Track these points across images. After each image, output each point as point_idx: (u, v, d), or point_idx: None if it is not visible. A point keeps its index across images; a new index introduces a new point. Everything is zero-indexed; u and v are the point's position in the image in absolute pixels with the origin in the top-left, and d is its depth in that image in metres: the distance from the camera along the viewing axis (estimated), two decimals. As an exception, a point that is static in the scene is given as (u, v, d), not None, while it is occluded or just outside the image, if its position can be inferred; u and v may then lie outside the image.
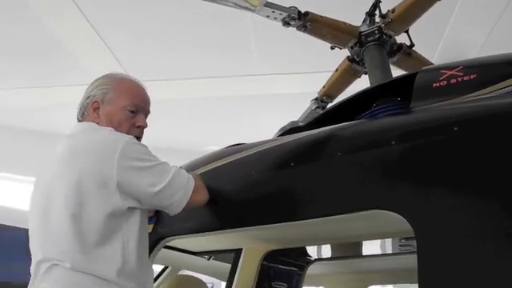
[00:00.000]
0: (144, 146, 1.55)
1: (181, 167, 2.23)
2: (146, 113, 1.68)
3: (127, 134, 1.57)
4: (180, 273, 3.03)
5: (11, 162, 6.58)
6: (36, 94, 5.96)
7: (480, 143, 1.16)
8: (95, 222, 1.43)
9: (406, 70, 2.53)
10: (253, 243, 2.55)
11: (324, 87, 2.81)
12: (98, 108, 1.61)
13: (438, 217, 1.14)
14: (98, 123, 1.59)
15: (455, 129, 1.19)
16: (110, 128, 1.55)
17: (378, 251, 3.60)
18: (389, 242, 3.51)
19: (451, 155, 1.18)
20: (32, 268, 1.52)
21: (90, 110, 1.62)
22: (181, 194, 1.52)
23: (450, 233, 1.11)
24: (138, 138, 1.63)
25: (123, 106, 1.60)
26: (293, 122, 2.47)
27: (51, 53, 5.05)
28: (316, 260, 3.00)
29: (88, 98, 1.65)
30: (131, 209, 1.49)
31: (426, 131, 1.30)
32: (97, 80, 1.71)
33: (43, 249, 1.47)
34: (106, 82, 1.65)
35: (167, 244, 2.11)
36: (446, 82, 1.52)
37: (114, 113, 1.60)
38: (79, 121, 1.68)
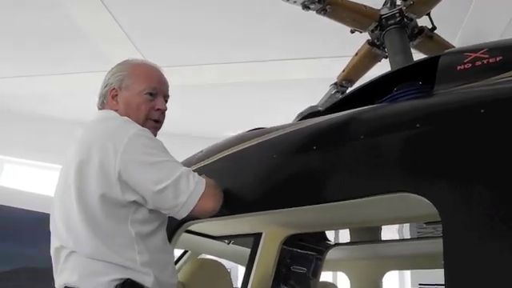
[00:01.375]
0: (154, 140, 1.50)
1: (201, 151, 2.25)
2: (165, 96, 1.66)
3: (146, 117, 1.58)
4: (199, 257, 3.06)
5: (27, 148, 6.67)
6: (52, 81, 6.02)
7: (508, 125, 1.14)
8: (101, 212, 1.41)
9: (427, 54, 2.49)
10: (272, 227, 2.57)
11: (343, 72, 2.79)
12: (117, 95, 1.61)
13: (465, 200, 1.13)
14: (116, 110, 1.59)
15: (482, 111, 1.17)
16: (125, 118, 1.53)
17: (396, 237, 3.58)
18: (406, 227, 3.50)
19: (478, 137, 1.17)
20: (52, 253, 1.54)
21: (109, 98, 1.63)
22: (185, 197, 1.42)
23: (477, 216, 1.10)
24: (159, 121, 1.63)
25: (140, 91, 1.59)
26: (312, 107, 2.45)
27: (69, 39, 5.07)
28: (335, 245, 3.00)
29: (106, 86, 1.65)
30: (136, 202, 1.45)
31: (452, 113, 1.29)
32: (113, 68, 1.71)
33: (60, 235, 1.49)
34: (122, 69, 1.65)
35: (188, 228, 2.13)
36: (470, 65, 1.49)
37: (131, 98, 1.59)
38: (99, 109, 1.68)
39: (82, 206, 1.42)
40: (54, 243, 1.52)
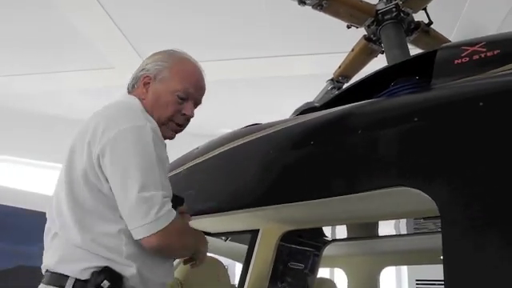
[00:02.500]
0: (156, 144, 1.34)
1: (197, 148, 2.24)
2: (197, 102, 1.56)
3: (170, 118, 1.49)
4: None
5: (26, 147, 6.64)
6: (52, 80, 5.99)
7: (506, 118, 1.14)
8: (85, 194, 1.34)
9: (423, 49, 2.50)
10: (270, 224, 2.55)
11: (340, 67, 2.79)
12: (149, 84, 1.51)
13: (463, 194, 1.13)
14: (143, 99, 1.50)
15: (480, 104, 1.17)
16: (137, 108, 1.43)
17: (393, 233, 3.59)
18: (403, 223, 3.51)
19: (477, 131, 1.16)
20: (44, 233, 1.48)
21: (141, 84, 1.53)
22: (150, 219, 1.26)
23: (476, 211, 1.09)
24: (181, 125, 1.54)
25: (174, 90, 1.49)
26: (308, 103, 2.45)
27: (68, 38, 5.05)
28: (332, 241, 3.00)
29: (142, 70, 1.56)
30: None
31: (450, 107, 1.28)
32: (156, 54, 1.60)
33: (52, 217, 1.42)
34: (164, 59, 1.55)
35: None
36: (468, 59, 1.49)
37: (162, 93, 1.49)
38: (129, 92, 1.57)
39: (68, 185, 1.37)
40: (47, 223, 1.46)
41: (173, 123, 1.52)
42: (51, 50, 5.30)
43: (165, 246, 1.31)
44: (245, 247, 2.78)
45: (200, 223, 2.45)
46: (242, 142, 1.89)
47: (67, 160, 1.40)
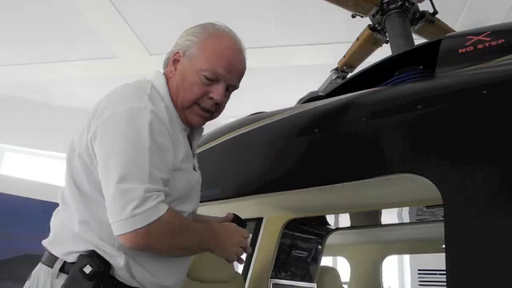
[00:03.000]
0: (155, 129, 1.18)
1: (203, 136, 2.26)
2: (230, 85, 1.35)
3: (194, 101, 1.31)
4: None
5: (28, 136, 6.67)
6: (51, 69, 6.00)
7: (510, 106, 1.15)
8: (82, 185, 1.25)
9: (428, 39, 2.49)
10: (274, 212, 2.58)
11: (344, 57, 2.79)
12: (179, 61, 1.34)
13: (466, 181, 1.14)
14: (170, 78, 1.34)
15: (484, 92, 1.18)
16: (150, 88, 1.27)
17: (396, 222, 3.60)
18: (406, 212, 3.52)
19: (480, 119, 1.18)
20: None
21: (170, 61, 1.36)
22: (123, 216, 1.11)
23: (479, 198, 1.10)
24: (209, 110, 1.34)
25: (200, 69, 1.29)
26: (312, 93, 2.46)
27: (67, 27, 5.04)
28: (336, 229, 3.02)
29: (175, 46, 1.38)
30: None
31: (454, 95, 1.29)
32: (192, 27, 1.40)
33: (61, 191, 1.34)
34: (196, 33, 1.35)
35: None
36: (472, 48, 1.50)
37: (188, 72, 1.30)
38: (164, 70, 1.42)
39: (69, 167, 1.28)
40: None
41: (197, 107, 1.32)
42: (53, 39, 5.29)
43: (144, 247, 1.16)
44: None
45: (205, 212, 2.48)
46: (246, 130, 1.91)
47: (71, 143, 1.31)
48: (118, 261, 1.20)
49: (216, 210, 2.38)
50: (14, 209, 4.30)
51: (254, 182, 1.73)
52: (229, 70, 1.31)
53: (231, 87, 1.36)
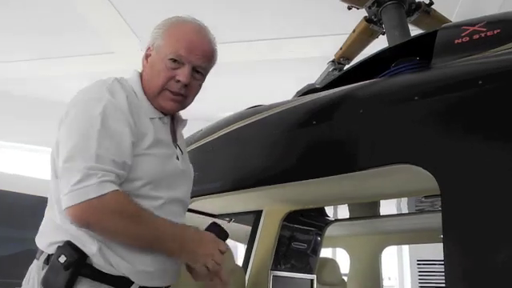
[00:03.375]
0: (109, 115, 1.22)
1: (201, 130, 2.27)
2: (196, 66, 1.37)
3: (163, 87, 1.35)
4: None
5: (28, 132, 6.66)
6: (48, 65, 6.00)
7: (506, 96, 1.16)
8: (59, 175, 1.25)
9: (424, 30, 2.50)
10: (273, 204, 2.60)
11: (341, 49, 2.79)
12: (150, 55, 1.40)
13: (464, 171, 1.15)
14: (143, 71, 1.41)
15: (480, 82, 1.19)
16: (112, 81, 1.33)
17: (394, 213, 3.63)
18: (404, 202, 3.54)
19: (476, 109, 1.19)
20: None
21: (144, 58, 1.42)
22: (66, 190, 1.15)
23: (477, 189, 1.11)
24: (178, 94, 1.36)
25: (165, 55, 1.34)
26: (310, 85, 2.47)
27: (64, 23, 5.03)
28: (335, 221, 3.04)
29: (148, 43, 1.43)
30: None
31: (450, 85, 1.30)
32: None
33: None
34: (160, 26, 1.41)
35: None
36: (468, 38, 1.51)
37: (156, 61, 1.36)
38: None
39: (51, 160, 1.32)
40: None
41: (167, 92, 1.36)
42: (50, 35, 5.28)
43: (84, 223, 1.17)
44: (248, 228, 2.83)
45: (204, 205, 2.50)
46: (245, 124, 1.92)
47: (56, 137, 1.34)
48: (91, 248, 1.20)
49: (216, 202, 2.40)
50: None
51: (253, 175, 1.74)
52: (190, 51, 1.35)
53: (199, 68, 1.38)
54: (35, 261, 1.27)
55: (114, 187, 1.17)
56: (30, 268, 1.28)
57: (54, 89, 6.63)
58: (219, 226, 1.34)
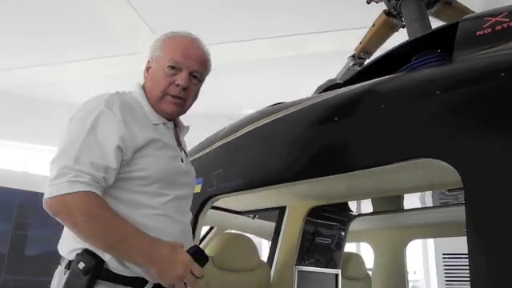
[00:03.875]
0: (101, 122, 1.33)
1: (224, 128, 2.30)
2: (193, 71, 1.49)
3: (164, 92, 1.46)
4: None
5: (51, 135, 6.81)
6: (71, 68, 6.12)
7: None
8: None
9: (445, 21, 2.47)
10: (296, 200, 2.61)
11: (361, 43, 2.78)
12: (151, 67, 1.53)
13: (486, 165, 1.14)
14: (145, 83, 1.53)
15: (502, 74, 1.18)
16: (112, 94, 1.43)
17: (418, 206, 3.61)
18: (428, 195, 3.51)
19: (499, 102, 1.18)
20: None
21: (145, 71, 1.55)
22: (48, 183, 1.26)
23: (500, 182, 1.11)
24: (178, 97, 1.47)
25: (163, 64, 1.47)
26: (330, 80, 2.47)
27: (86, 26, 5.13)
28: (358, 215, 3.04)
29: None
30: None
31: (472, 79, 1.29)
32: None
33: None
34: (158, 40, 1.55)
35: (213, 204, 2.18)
36: (490, 30, 1.49)
37: (156, 71, 1.49)
38: None
39: None
40: None
41: (168, 96, 1.48)
42: (72, 38, 5.40)
43: (55, 215, 1.26)
44: (272, 224, 2.86)
45: (229, 202, 2.53)
46: (267, 121, 1.93)
47: None
48: (105, 254, 1.29)
49: (240, 200, 2.43)
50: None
51: (277, 172, 1.76)
52: (186, 57, 1.47)
53: (195, 73, 1.50)
54: (59, 266, 1.36)
55: (85, 188, 1.25)
56: (55, 272, 1.36)
57: (78, 91, 6.76)
58: (201, 250, 1.34)
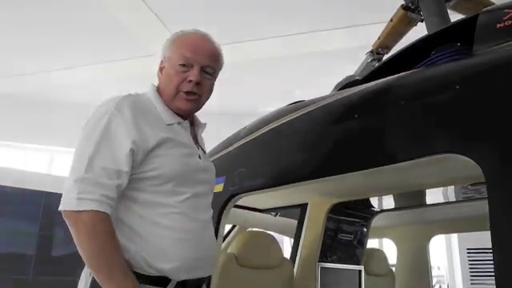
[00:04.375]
0: (113, 124, 1.34)
1: (245, 127, 2.32)
2: (204, 66, 1.49)
3: (177, 89, 1.48)
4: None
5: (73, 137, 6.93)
6: (90, 71, 6.23)
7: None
8: None
9: (464, 15, 2.44)
10: (318, 197, 2.62)
11: (379, 39, 2.77)
12: (164, 67, 1.54)
13: (509, 160, 1.14)
14: (159, 83, 1.55)
15: (523, 68, 1.17)
16: (123, 96, 1.43)
17: (441, 201, 3.57)
18: (451, 190, 3.48)
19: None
20: None
21: (158, 72, 1.57)
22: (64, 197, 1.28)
23: None
24: (192, 92, 1.48)
25: (175, 61, 1.49)
26: (349, 77, 2.47)
27: (103, 29, 5.22)
28: (380, 211, 3.03)
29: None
30: None
31: (493, 72, 1.28)
32: None
33: None
34: (168, 40, 1.56)
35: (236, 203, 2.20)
36: (510, 22, 1.47)
37: (168, 69, 1.50)
38: None
39: None
40: None
41: (182, 93, 1.48)
42: (90, 41, 5.49)
43: (68, 225, 1.28)
44: (294, 222, 2.88)
45: (251, 200, 2.55)
46: (287, 119, 1.95)
47: None
48: (127, 254, 1.32)
49: (262, 198, 2.45)
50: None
51: (298, 170, 1.77)
52: (196, 52, 1.48)
53: (207, 68, 1.51)
54: (85, 267, 1.37)
55: (93, 206, 1.26)
56: (81, 274, 1.39)
57: (97, 94, 6.87)
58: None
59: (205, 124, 1.64)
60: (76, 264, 1.43)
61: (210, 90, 1.55)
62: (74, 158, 1.33)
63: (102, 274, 1.28)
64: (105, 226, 1.28)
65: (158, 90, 1.53)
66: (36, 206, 5.39)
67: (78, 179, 1.27)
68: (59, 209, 1.28)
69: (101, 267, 1.28)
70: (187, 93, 1.48)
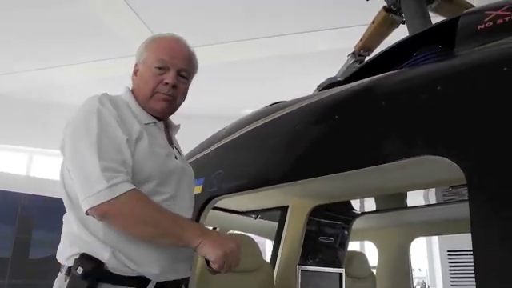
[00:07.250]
0: (103, 122, 1.35)
1: (224, 129, 2.29)
2: (180, 69, 1.52)
3: (153, 91, 1.49)
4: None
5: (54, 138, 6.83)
6: (70, 71, 6.15)
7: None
8: (69, 188, 1.40)
9: (445, 17, 2.44)
10: (298, 200, 2.60)
11: (361, 40, 2.76)
12: (138, 70, 1.56)
13: (489, 161, 1.12)
14: (133, 85, 1.56)
15: (505, 69, 1.16)
16: (102, 96, 1.45)
17: (422, 203, 3.59)
18: (432, 192, 3.49)
19: (502, 96, 1.16)
20: None
21: (133, 74, 1.58)
22: (91, 192, 1.26)
23: (503, 178, 1.09)
24: (167, 94, 1.50)
25: (150, 64, 1.51)
26: (331, 78, 2.45)
27: (86, 29, 5.15)
28: (362, 214, 3.03)
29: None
30: None
31: (474, 73, 1.27)
32: None
33: None
34: (144, 43, 1.59)
35: (215, 205, 2.16)
36: (491, 23, 1.47)
37: (144, 72, 1.52)
38: None
39: (60, 174, 1.44)
40: None
41: (157, 94, 1.50)
42: (70, 40, 5.42)
43: (103, 219, 1.30)
44: (275, 224, 2.85)
45: (231, 202, 2.52)
46: (267, 120, 1.92)
47: None
48: (103, 255, 1.30)
49: (242, 200, 2.42)
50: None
51: (278, 171, 1.74)
52: (172, 56, 1.51)
53: (182, 71, 1.53)
54: (59, 273, 1.37)
55: (126, 187, 1.28)
56: (55, 280, 1.37)
57: (79, 94, 6.78)
58: None
59: (178, 125, 1.65)
60: (54, 267, 1.40)
61: (185, 94, 1.57)
62: (77, 159, 1.33)
63: (174, 230, 1.30)
64: (143, 195, 1.31)
65: (133, 92, 1.55)
66: (13, 208, 5.31)
67: (99, 171, 1.26)
68: (88, 208, 1.26)
69: (171, 226, 1.31)
70: (163, 94, 1.50)
